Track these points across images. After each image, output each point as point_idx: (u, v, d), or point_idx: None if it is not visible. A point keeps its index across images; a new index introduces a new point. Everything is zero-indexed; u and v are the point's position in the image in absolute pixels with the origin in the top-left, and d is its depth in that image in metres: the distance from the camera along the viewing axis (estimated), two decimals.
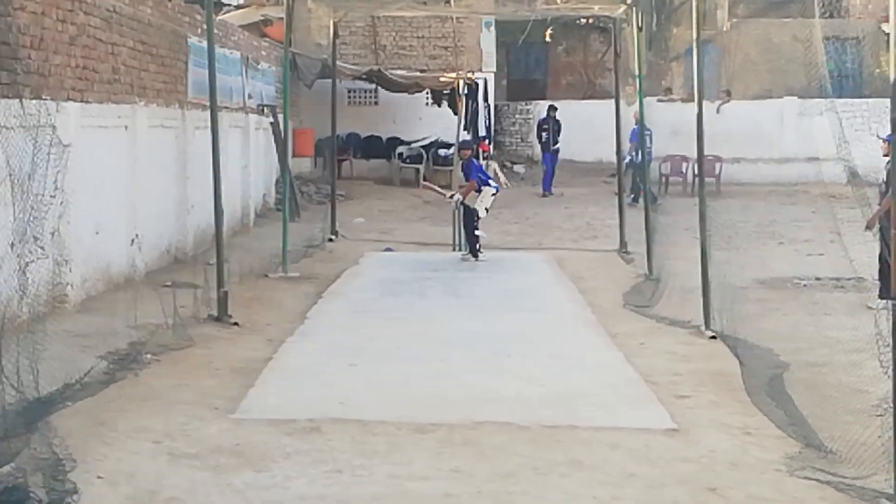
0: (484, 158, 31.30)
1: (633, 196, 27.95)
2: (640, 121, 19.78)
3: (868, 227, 12.37)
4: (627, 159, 29.81)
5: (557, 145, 30.48)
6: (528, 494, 6.74)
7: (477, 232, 18.08)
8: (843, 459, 7.29)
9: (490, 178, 19.16)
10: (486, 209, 18.26)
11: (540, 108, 35.37)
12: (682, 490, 6.87)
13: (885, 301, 14.31)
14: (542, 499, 6.67)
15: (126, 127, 14.53)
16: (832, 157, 7.57)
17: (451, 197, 18.75)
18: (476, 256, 17.93)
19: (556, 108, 31.13)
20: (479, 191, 18.18)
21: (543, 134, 30.81)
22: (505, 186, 31.54)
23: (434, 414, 8.52)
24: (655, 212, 20.37)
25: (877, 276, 12.62)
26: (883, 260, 12.39)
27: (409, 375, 9.91)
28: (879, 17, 34.33)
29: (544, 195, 29.56)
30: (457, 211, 18.67)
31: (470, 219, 18.09)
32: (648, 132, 30.05)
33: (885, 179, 13.22)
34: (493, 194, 18.41)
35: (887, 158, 13.55)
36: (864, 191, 6.90)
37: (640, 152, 29.01)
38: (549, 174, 30.26)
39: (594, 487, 6.89)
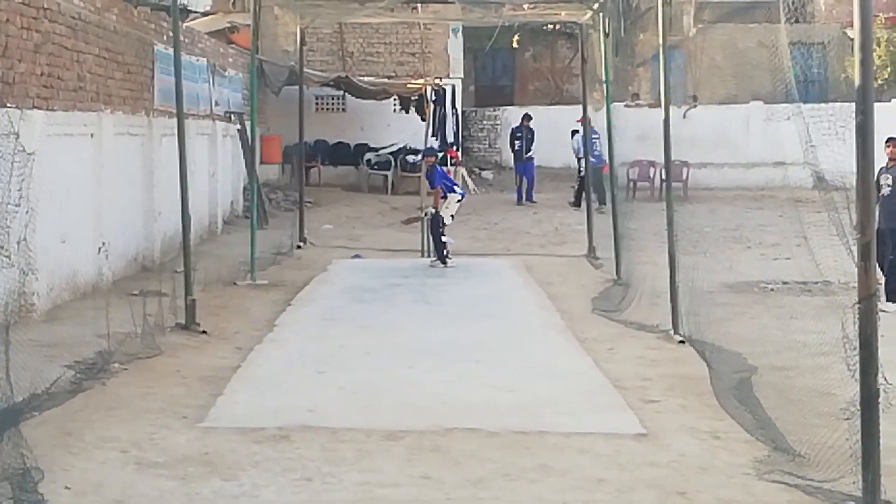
0: (452, 165, 31.34)
1: (575, 201, 29.16)
2: (585, 125, 20.18)
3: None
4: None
5: (531, 153, 29.94)
6: (498, 500, 6.74)
7: (444, 238, 18.08)
8: (811, 463, 7.32)
9: (455, 184, 19.17)
10: (451, 216, 18.27)
11: (508, 115, 35.45)
12: (652, 494, 6.88)
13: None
14: None
15: (92, 135, 14.46)
16: (798, 162, 7.59)
17: (425, 214, 18.73)
18: (444, 263, 17.92)
19: (530, 117, 30.56)
20: (445, 197, 18.20)
21: (517, 142, 30.24)
22: (472, 192, 31.58)
23: (403, 421, 8.50)
24: (603, 213, 20.55)
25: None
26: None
27: (378, 383, 9.89)
28: (844, 22, 34.58)
29: (519, 203, 29.16)
30: (425, 218, 18.66)
31: (436, 225, 18.08)
32: (596, 136, 30.57)
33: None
34: (459, 200, 18.43)
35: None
36: (830, 195, 6.94)
37: (584, 157, 29.86)
38: (529, 183, 29.81)
39: (564, 493, 6.89)
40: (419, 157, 30.37)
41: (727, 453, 7.79)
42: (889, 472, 6.51)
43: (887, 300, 13.69)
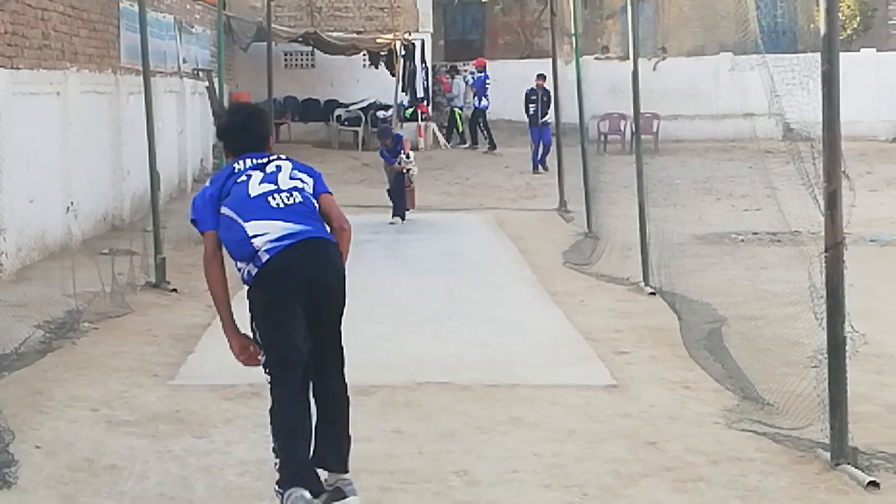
0: (423, 120, 31.30)
1: (470, 143, 29.64)
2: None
3: None
4: (473, 108, 31.12)
5: (546, 117, 26.12)
6: (470, 453, 6.76)
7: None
8: (779, 411, 7.38)
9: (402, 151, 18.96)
10: (415, 166, 18.33)
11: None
12: (622, 444, 6.92)
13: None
14: (483, 457, 6.69)
15: (58, 93, 14.34)
16: (766, 113, 7.59)
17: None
18: (403, 218, 17.96)
19: (545, 77, 25.84)
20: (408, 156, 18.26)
21: (531, 106, 27.73)
22: (444, 147, 31.54)
23: (375, 376, 8.49)
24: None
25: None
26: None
27: (349, 338, 9.78)
28: None
29: (535, 172, 26.48)
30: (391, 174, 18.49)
31: (398, 182, 18.07)
32: (487, 79, 31.43)
33: None
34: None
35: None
36: (796, 145, 6.95)
37: (480, 99, 30.67)
38: (544, 149, 26.59)
39: (535, 444, 6.92)
40: (389, 112, 30.36)
41: (697, 403, 7.84)
42: (856, 419, 6.57)
43: None
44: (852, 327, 6.48)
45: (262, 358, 5.81)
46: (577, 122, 17.41)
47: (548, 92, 24.79)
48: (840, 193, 6.37)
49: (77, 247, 14.27)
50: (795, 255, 9.06)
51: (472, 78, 32.93)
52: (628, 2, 12.80)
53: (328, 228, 6.06)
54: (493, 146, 31.34)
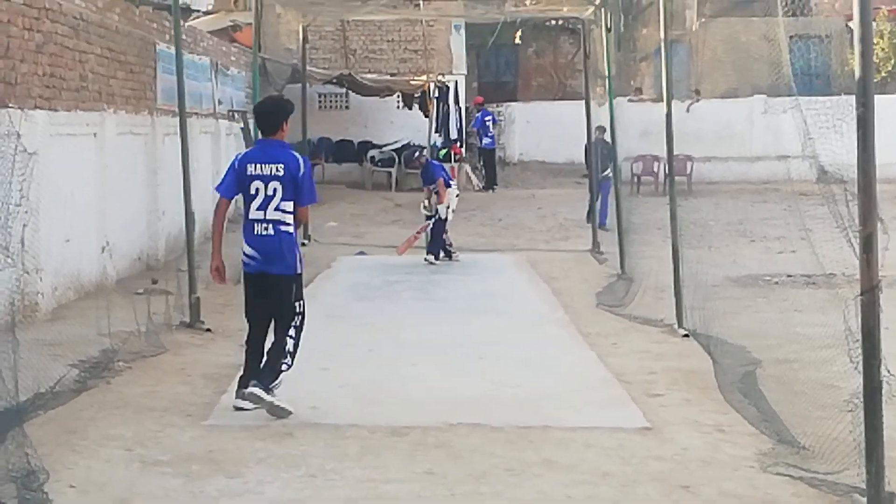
0: (456, 161, 31.38)
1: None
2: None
3: None
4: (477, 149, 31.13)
5: (607, 171, 21.63)
6: (502, 496, 6.74)
7: (445, 236, 18.15)
8: (815, 455, 7.32)
9: (450, 177, 19.16)
10: (451, 210, 18.28)
11: (511, 111, 35.39)
12: (656, 488, 6.89)
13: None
14: (515, 499, 6.67)
15: (95, 134, 14.47)
16: (800, 155, 7.59)
17: (428, 219, 18.65)
18: (445, 257, 17.96)
19: (604, 129, 21.29)
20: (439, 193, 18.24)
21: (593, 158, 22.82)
22: (476, 188, 31.57)
23: (407, 417, 8.51)
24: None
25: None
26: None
27: (381, 379, 9.90)
28: (846, 15, 34.54)
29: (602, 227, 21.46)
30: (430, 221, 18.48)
31: (439, 226, 18.10)
32: (490, 117, 31.29)
33: None
34: (457, 195, 18.49)
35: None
36: (830, 187, 6.94)
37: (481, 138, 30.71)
38: (601, 204, 22.24)
39: (568, 487, 6.89)
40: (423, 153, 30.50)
41: (731, 446, 7.79)
42: (893, 464, 6.50)
43: None
44: (888, 371, 6.43)
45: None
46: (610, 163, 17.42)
47: (608, 144, 20.37)
48: (875, 236, 6.34)
49: (112, 286, 14.36)
50: (830, 297, 9.02)
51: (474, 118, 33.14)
52: (662, 44, 12.84)
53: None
54: (489, 185, 31.53)
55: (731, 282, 15.22)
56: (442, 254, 18.20)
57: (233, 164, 8.78)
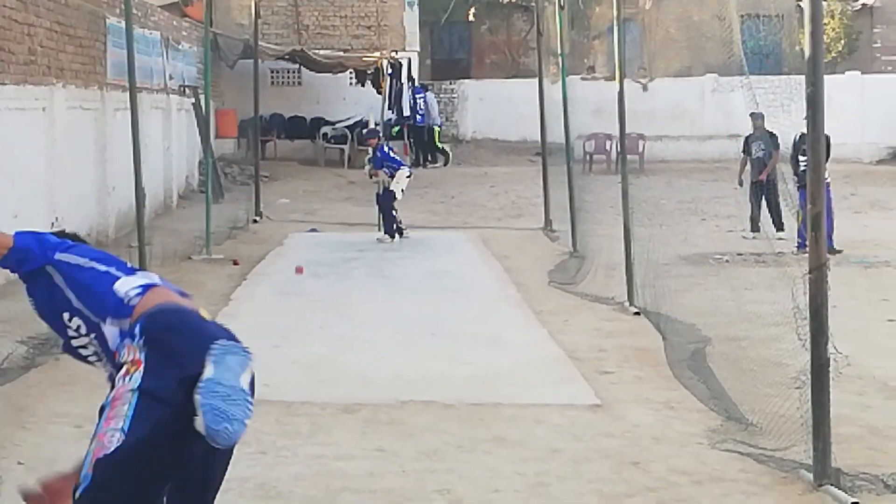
0: (409, 138, 31.34)
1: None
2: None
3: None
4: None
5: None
6: (453, 472, 6.75)
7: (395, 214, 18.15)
8: (763, 432, 7.39)
9: (402, 162, 19.12)
10: (402, 190, 18.26)
11: (465, 88, 35.28)
12: (606, 464, 6.92)
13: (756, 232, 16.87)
14: (466, 476, 6.68)
15: (44, 109, 14.32)
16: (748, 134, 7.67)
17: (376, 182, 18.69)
18: (398, 235, 17.94)
19: (762, 117, 15.11)
20: (393, 176, 18.19)
21: (754, 149, 17.73)
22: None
23: (359, 394, 8.51)
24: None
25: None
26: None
27: (333, 356, 9.89)
28: None
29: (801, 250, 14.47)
30: (378, 193, 18.49)
31: (387, 200, 18.09)
32: (422, 95, 31.12)
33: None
34: (408, 176, 18.48)
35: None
36: (779, 166, 6.99)
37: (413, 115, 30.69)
38: (773, 211, 17.00)
39: (518, 463, 6.92)
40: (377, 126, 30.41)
41: (680, 423, 7.85)
42: (839, 440, 6.59)
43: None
44: (835, 348, 6.50)
45: None
46: (562, 141, 17.45)
47: (772, 135, 16.17)
48: (824, 215, 6.40)
49: None
50: (779, 276, 9.13)
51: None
52: (614, 22, 12.86)
53: None
54: (418, 163, 31.55)
55: (682, 260, 15.31)
56: (383, 231, 18.18)
57: None
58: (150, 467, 4.10)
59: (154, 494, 4.19)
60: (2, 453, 6.78)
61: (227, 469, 4.50)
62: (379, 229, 18.56)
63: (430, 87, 33.71)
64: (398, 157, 19.01)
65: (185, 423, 3.99)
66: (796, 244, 15.23)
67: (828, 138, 16.56)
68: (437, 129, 32.68)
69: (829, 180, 15.48)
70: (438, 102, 35.94)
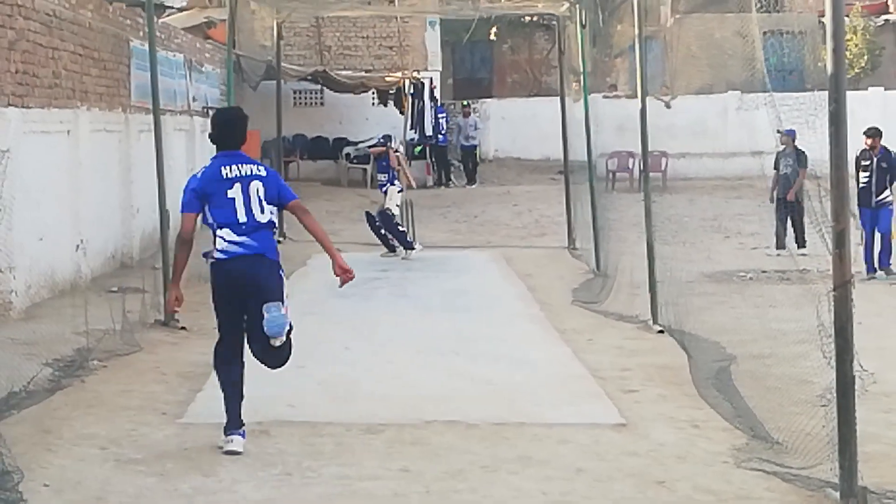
0: (431, 158, 31.44)
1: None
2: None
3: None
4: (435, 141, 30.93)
5: (887, 195, 16.32)
6: (477, 492, 6.75)
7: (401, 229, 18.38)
8: (788, 450, 7.36)
9: (395, 177, 19.21)
10: (396, 205, 18.47)
11: (487, 107, 35.29)
12: (631, 484, 6.91)
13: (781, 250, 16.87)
14: (490, 496, 6.68)
15: (68, 132, 14.41)
16: (774, 151, 7.65)
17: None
18: (411, 248, 18.12)
19: (879, 132, 16.38)
20: (386, 191, 18.60)
21: (863, 175, 16.21)
22: (452, 185, 31.54)
23: (383, 414, 8.52)
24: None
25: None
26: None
27: (357, 377, 9.90)
28: (819, 11, 34.66)
29: (870, 275, 16.11)
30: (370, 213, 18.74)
31: (387, 218, 18.27)
32: (442, 115, 30.98)
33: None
34: (399, 191, 18.63)
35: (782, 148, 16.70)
36: (804, 183, 6.98)
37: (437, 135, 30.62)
38: (883, 243, 16.42)
39: (543, 483, 6.91)
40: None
41: (706, 442, 7.82)
42: (865, 459, 6.55)
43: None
44: (861, 366, 6.48)
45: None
46: (585, 159, 17.45)
47: (890, 155, 16.30)
48: (848, 232, 6.38)
49: (86, 284, 14.29)
50: (804, 293, 9.08)
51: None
52: (636, 40, 12.86)
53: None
54: (440, 182, 31.76)
55: (705, 278, 15.27)
56: (402, 250, 18.38)
57: (192, 179, 7.95)
58: None
59: None
60: (28, 476, 6.79)
61: None
62: (405, 249, 18.55)
63: (475, 108, 33.79)
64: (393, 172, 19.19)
65: None
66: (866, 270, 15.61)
67: (804, 153, 16.34)
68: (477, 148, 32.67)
69: (889, 199, 16.14)
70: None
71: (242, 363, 7.81)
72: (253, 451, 7.56)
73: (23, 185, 12.19)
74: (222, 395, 7.76)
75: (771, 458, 7.27)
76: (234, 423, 7.62)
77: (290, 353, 7.92)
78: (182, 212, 7.83)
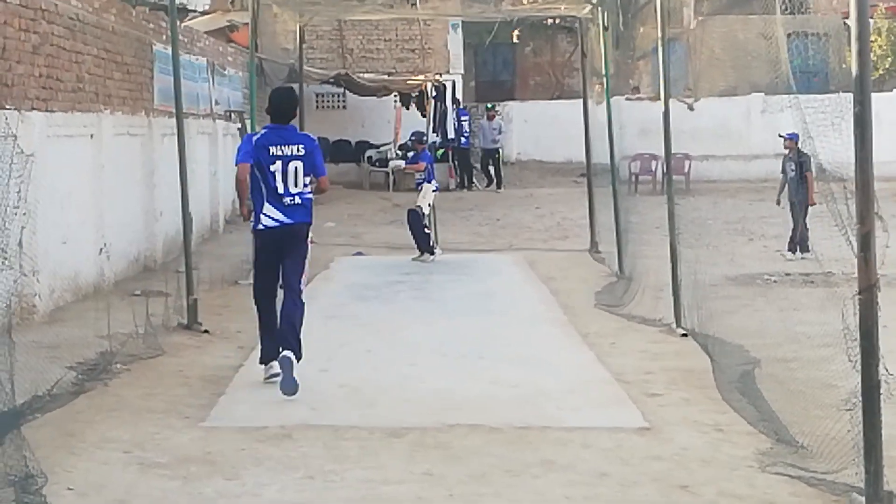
0: (454, 160, 31.41)
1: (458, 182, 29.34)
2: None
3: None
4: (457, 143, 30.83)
5: None
6: (501, 496, 6.73)
7: (426, 231, 18.29)
8: (814, 454, 7.31)
9: (434, 176, 19.21)
10: (429, 204, 18.38)
11: (509, 110, 35.28)
12: (655, 488, 6.88)
13: (794, 253, 16.98)
14: (514, 500, 6.66)
15: (92, 135, 14.46)
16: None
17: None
18: (432, 253, 18.07)
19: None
20: (421, 188, 18.45)
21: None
22: (475, 188, 31.53)
23: (406, 418, 8.51)
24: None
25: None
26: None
27: (380, 380, 9.89)
28: (843, 13, 34.51)
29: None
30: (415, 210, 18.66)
31: (416, 218, 18.20)
32: (466, 117, 30.85)
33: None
34: (434, 191, 18.59)
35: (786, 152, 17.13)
36: (829, 185, 6.92)
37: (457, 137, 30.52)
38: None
39: (566, 487, 6.88)
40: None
41: (730, 446, 7.78)
42: (891, 463, 6.50)
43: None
44: (886, 370, 6.42)
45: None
46: (607, 162, 17.40)
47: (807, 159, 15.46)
48: (873, 234, 6.33)
49: (109, 288, 14.34)
50: (828, 296, 9.02)
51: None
52: (659, 42, 12.81)
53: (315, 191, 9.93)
54: (463, 184, 31.81)
55: (729, 281, 15.21)
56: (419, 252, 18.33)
57: (248, 139, 9.72)
58: None
59: None
60: (52, 479, 6.80)
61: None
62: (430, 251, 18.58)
63: (498, 111, 33.75)
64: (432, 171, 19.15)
65: None
66: None
67: (807, 156, 15.99)
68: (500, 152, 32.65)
69: None
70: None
71: (275, 302, 9.80)
72: (276, 454, 7.56)
73: (46, 189, 12.26)
74: (258, 326, 9.82)
75: (796, 462, 7.22)
76: (268, 354, 9.56)
77: (301, 322, 9.61)
78: (238, 162, 9.59)
